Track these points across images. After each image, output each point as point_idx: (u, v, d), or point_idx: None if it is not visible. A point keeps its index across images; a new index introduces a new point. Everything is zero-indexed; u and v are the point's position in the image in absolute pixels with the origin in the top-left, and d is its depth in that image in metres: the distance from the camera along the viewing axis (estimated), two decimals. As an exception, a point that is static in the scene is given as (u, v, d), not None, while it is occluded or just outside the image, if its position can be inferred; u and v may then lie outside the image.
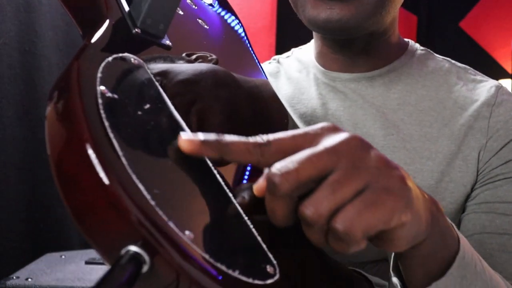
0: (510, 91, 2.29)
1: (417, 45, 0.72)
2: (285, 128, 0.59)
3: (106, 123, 0.31)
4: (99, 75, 0.34)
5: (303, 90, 0.71)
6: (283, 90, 0.73)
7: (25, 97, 1.58)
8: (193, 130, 0.43)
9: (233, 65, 0.57)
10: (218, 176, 0.37)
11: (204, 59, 0.55)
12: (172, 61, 0.49)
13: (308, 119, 0.68)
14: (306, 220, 0.31)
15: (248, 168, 0.45)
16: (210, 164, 0.37)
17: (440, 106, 0.64)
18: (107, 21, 0.41)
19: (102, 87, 0.33)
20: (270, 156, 0.33)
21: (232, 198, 0.36)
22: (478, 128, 0.61)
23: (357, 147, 0.33)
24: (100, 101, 0.32)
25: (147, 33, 0.43)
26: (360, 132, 0.65)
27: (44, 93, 1.64)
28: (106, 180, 0.28)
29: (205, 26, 0.56)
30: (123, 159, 0.30)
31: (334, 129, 0.35)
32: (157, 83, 0.39)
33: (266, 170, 0.33)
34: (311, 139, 0.34)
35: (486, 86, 0.65)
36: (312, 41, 0.74)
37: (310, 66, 0.73)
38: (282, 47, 2.35)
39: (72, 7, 0.44)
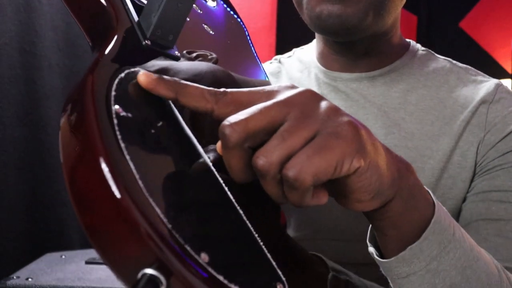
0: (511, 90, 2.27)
1: (419, 46, 0.73)
2: None
3: (123, 145, 0.31)
4: (113, 93, 0.34)
5: None
6: None
7: (25, 97, 1.58)
8: (205, 127, 0.44)
9: (235, 66, 0.58)
10: (231, 196, 0.37)
11: (204, 58, 0.55)
12: (188, 46, 0.50)
13: None
14: (259, 171, 0.32)
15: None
16: (223, 185, 0.37)
17: (441, 105, 0.65)
18: (118, 33, 0.41)
19: (117, 106, 0.33)
20: (224, 105, 0.34)
21: (245, 219, 0.36)
22: (476, 123, 0.62)
23: (308, 98, 0.33)
24: (115, 121, 0.32)
25: (157, 44, 0.43)
26: None
27: (44, 93, 1.65)
28: (123, 204, 0.28)
29: (210, 32, 0.56)
30: (140, 182, 0.30)
31: (292, 87, 0.35)
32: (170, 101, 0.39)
33: None
34: (267, 94, 0.34)
35: (484, 84, 0.66)
36: (314, 41, 0.75)
37: (312, 66, 0.73)
38: (282, 47, 2.35)
39: (81, 17, 0.44)
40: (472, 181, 0.61)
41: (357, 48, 0.66)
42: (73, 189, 0.31)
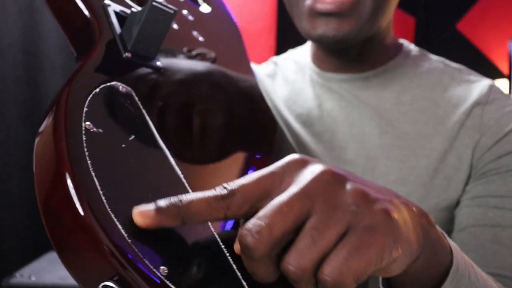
0: (507, 91, 2.30)
1: (412, 46, 0.73)
2: (273, 128, 0.59)
3: (89, 162, 0.31)
4: (85, 109, 0.34)
5: (299, 91, 0.72)
6: (279, 91, 0.73)
7: (28, 98, 1.59)
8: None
9: (225, 68, 0.58)
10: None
11: (203, 57, 0.55)
12: (174, 56, 0.50)
13: (304, 120, 0.69)
14: (291, 277, 0.28)
15: None
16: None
17: (434, 105, 0.65)
18: (99, 45, 0.41)
19: (88, 123, 0.34)
20: (238, 209, 0.30)
21: (214, 232, 0.36)
22: (471, 125, 0.62)
23: (330, 183, 0.30)
24: (84, 138, 0.33)
25: (138, 56, 0.43)
26: (356, 132, 0.65)
27: (47, 94, 1.66)
28: (85, 219, 0.29)
29: (200, 39, 0.56)
30: (103, 198, 0.30)
31: (302, 163, 0.31)
32: (144, 111, 0.39)
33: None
34: (278, 179, 0.31)
35: (479, 86, 0.66)
36: (308, 42, 0.75)
37: (306, 67, 0.73)
38: (282, 48, 2.36)
39: (66, 27, 0.44)
40: (467, 183, 0.61)
41: (350, 51, 0.66)
42: (41, 200, 0.32)
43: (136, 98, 0.40)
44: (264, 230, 0.27)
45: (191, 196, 0.30)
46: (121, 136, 0.36)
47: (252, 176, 0.31)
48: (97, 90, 0.37)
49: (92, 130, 0.33)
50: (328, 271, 0.27)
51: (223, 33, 0.63)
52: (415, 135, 0.63)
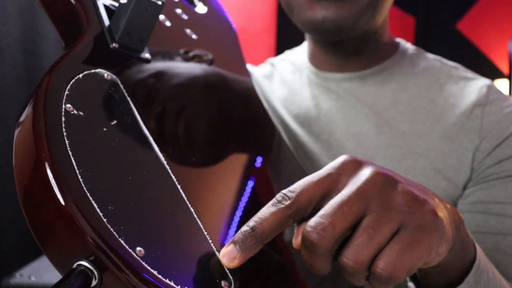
0: (507, 91, 2.29)
1: (408, 45, 0.73)
2: (269, 130, 0.60)
3: (67, 141, 0.31)
4: (66, 92, 0.34)
5: (296, 92, 0.72)
6: (277, 92, 0.74)
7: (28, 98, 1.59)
8: (180, 136, 0.44)
9: (219, 68, 0.58)
10: (180, 188, 0.37)
11: (200, 58, 0.55)
12: (170, 58, 0.50)
13: (302, 120, 0.69)
14: (348, 270, 0.31)
15: (249, 187, 0.45)
16: (174, 178, 0.37)
17: (431, 104, 0.65)
18: (86, 35, 0.41)
19: (68, 105, 0.33)
20: (302, 211, 0.33)
21: (194, 212, 0.36)
22: (471, 128, 0.62)
23: (383, 185, 0.33)
24: (63, 119, 0.32)
25: (126, 48, 0.43)
26: (353, 131, 0.66)
27: (46, 93, 1.66)
28: (60, 197, 0.29)
29: (193, 36, 0.56)
30: (80, 177, 0.30)
31: (356, 163, 0.34)
32: (129, 99, 0.39)
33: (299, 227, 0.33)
34: (335, 180, 0.33)
35: (477, 85, 0.65)
36: (305, 42, 0.75)
37: (303, 68, 0.74)
38: (282, 48, 2.36)
39: (55, 18, 0.44)
40: (465, 186, 0.61)
41: (347, 46, 0.66)
42: (20, 186, 0.32)
43: (122, 86, 0.40)
44: (328, 228, 0.30)
45: (259, 218, 0.32)
46: (103, 120, 0.35)
47: (311, 179, 0.33)
48: (80, 76, 0.36)
49: (72, 112, 0.33)
50: (383, 265, 0.30)
51: (219, 34, 0.63)
52: (411, 134, 0.63)
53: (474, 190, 0.60)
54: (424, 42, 2.86)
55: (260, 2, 2.42)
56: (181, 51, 0.52)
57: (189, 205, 0.36)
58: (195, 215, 0.36)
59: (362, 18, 0.61)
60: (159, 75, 0.46)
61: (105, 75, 0.39)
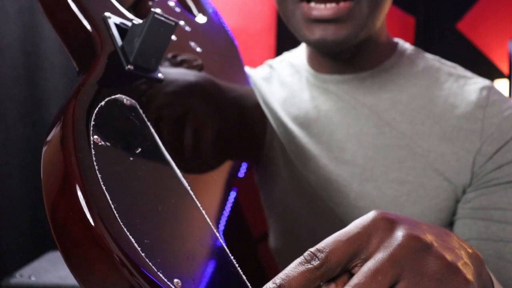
0: (507, 92, 2.28)
1: (407, 45, 0.72)
2: (263, 135, 0.60)
3: (99, 175, 0.32)
4: (92, 123, 0.35)
5: (295, 93, 0.72)
6: (276, 94, 0.73)
7: (28, 98, 1.59)
8: (185, 147, 0.44)
9: (222, 79, 0.58)
10: (208, 219, 0.38)
11: (189, 64, 0.55)
12: (173, 68, 0.50)
13: (301, 121, 0.69)
14: None
15: (229, 205, 0.46)
16: (203, 210, 0.38)
17: (431, 104, 0.65)
18: (101, 59, 0.41)
19: (96, 137, 0.34)
20: (332, 271, 0.32)
21: (224, 244, 0.37)
22: (472, 130, 0.61)
23: (417, 250, 0.33)
24: (93, 151, 0.33)
25: (140, 68, 0.43)
26: (353, 132, 0.65)
27: (46, 94, 1.66)
28: (97, 231, 0.29)
29: (197, 49, 0.56)
30: (115, 212, 0.30)
31: (387, 223, 0.34)
32: (148, 124, 0.40)
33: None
34: (366, 240, 0.33)
35: (477, 85, 0.65)
36: (304, 44, 0.75)
37: (302, 70, 0.73)
38: (282, 48, 2.36)
39: (67, 41, 0.44)
40: (466, 189, 0.61)
41: (345, 53, 0.66)
42: (51, 214, 0.32)
43: (141, 111, 0.40)
44: None
45: (286, 276, 0.31)
46: (128, 149, 0.36)
47: (340, 237, 0.33)
48: (103, 103, 0.37)
49: (100, 143, 0.34)
50: None
51: (219, 43, 0.64)
52: (412, 135, 0.63)
53: (475, 196, 0.60)
54: (424, 42, 2.85)
55: (260, 2, 2.42)
56: (169, 55, 0.52)
57: (215, 231, 0.37)
58: (221, 241, 0.37)
59: (362, 30, 0.60)
60: (173, 96, 0.46)
61: (125, 100, 0.39)
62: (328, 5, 0.58)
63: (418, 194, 0.61)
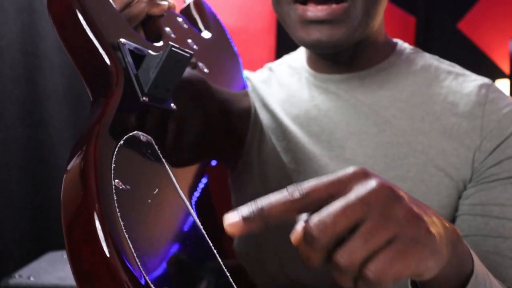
0: (508, 91, 2.27)
1: (406, 45, 0.73)
2: (243, 136, 0.60)
3: (122, 223, 0.32)
4: (113, 165, 0.35)
5: (295, 93, 0.73)
6: (275, 95, 0.74)
7: (27, 98, 1.59)
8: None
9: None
10: (219, 259, 0.39)
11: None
12: (186, 95, 0.50)
13: (302, 121, 0.69)
14: (339, 268, 0.33)
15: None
16: (214, 250, 0.39)
17: (430, 101, 0.65)
18: (117, 92, 0.41)
19: (117, 181, 0.35)
20: (309, 206, 0.35)
21: (231, 281, 0.38)
22: (472, 127, 0.62)
23: (387, 197, 0.35)
24: (115, 197, 0.33)
25: (154, 98, 0.44)
26: (353, 130, 0.66)
27: (46, 93, 1.65)
28: (122, 283, 0.30)
29: (205, 70, 0.57)
30: (139, 262, 0.31)
31: (365, 175, 0.36)
32: (164, 160, 0.40)
33: (301, 220, 0.35)
34: (344, 186, 0.36)
35: (475, 83, 0.65)
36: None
37: (302, 71, 0.74)
38: (282, 48, 2.36)
39: (84, 70, 0.44)
40: (467, 185, 0.61)
41: (344, 54, 0.67)
42: (75, 266, 0.32)
43: (156, 147, 0.41)
44: (329, 225, 0.33)
45: (269, 201, 0.35)
46: (147, 191, 0.37)
47: (322, 180, 0.36)
48: (122, 142, 0.38)
49: (121, 187, 0.35)
50: (374, 268, 0.33)
51: (223, 59, 0.65)
52: (412, 131, 0.64)
53: (474, 191, 0.60)
54: (425, 42, 2.85)
55: (260, 2, 2.42)
56: (194, 85, 0.53)
57: (227, 274, 0.38)
58: (230, 279, 0.38)
59: (357, 31, 0.61)
60: (185, 128, 0.47)
61: (141, 137, 0.40)
62: (323, 7, 0.58)
63: (419, 191, 0.61)
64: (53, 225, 1.64)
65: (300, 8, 0.60)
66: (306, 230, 0.34)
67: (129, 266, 0.30)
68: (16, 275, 1.38)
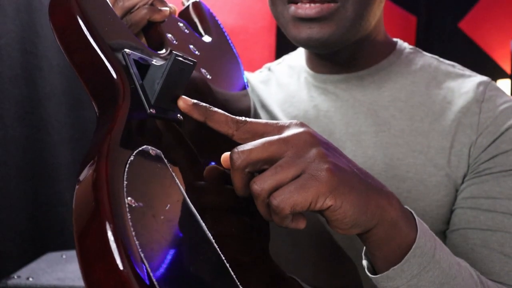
0: (509, 91, 2.27)
1: (406, 44, 0.73)
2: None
3: (137, 242, 0.32)
4: (125, 182, 0.35)
5: (294, 94, 0.73)
6: (274, 96, 0.74)
7: (26, 98, 1.58)
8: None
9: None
10: (232, 273, 0.39)
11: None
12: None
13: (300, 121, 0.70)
14: (252, 193, 0.40)
15: None
16: (225, 261, 0.39)
17: (430, 101, 0.65)
18: (123, 106, 0.41)
19: (129, 198, 0.35)
20: (242, 133, 0.43)
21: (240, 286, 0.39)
22: (469, 124, 0.62)
23: (305, 141, 0.41)
24: (129, 216, 0.33)
25: (161, 109, 0.44)
26: (352, 131, 0.66)
27: (45, 93, 1.65)
28: (125, 276, 0.30)
29: (208, 76, 0.57)
30: (153, 278, 0.31)
31: (300, 125, 0.43)
32: (173, 174, 0.41)
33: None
34: (278, 129, 0.42)
35: (474, 81, 0.66)
36: None
37: (301, 71, 0.74)
38: (282, 47, 2.36)
39: (90, 84, 0.44)
40: (462, 182, 0.62)
41: (341, 55, 0.67)
42: (88, 283, 0.32)
43: (165, 160, 0.41)
44: (245, 152, 0.40)
45: (217, 110, 0.44)
46: (159, 207, 0.37)
47: (265, 120, 0.43)
48: (132, 158, 0.38)
49: (134, 205, 0.35)
50: (276, 196, 0.39)
51: (224, 62, 0.65)
52: (411, 132, 0.64)
53: (467, 185, 0.61)
54: (426, 41, 2.85)
55: (260, 1, 2.41)
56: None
57: (238, 284, 0.39)
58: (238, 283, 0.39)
59: (349, 31, 0.61)
60: (192, 137, 0.48)
61: (150, 150, 0.40)
62: (313, 5, 0.60)
63: (419, 191, 0.61)
64: (52, 226, 1.64)
65: (292, 6, 0.62)
66: (230, 152, 0.40)
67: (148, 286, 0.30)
68: (15, 275, 1.38)
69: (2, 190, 1.49)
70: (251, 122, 0.43)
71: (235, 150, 0.40)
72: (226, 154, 0.43)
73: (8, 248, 1.54)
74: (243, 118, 0.43)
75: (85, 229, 0.33)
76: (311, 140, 0.41)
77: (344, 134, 0.66)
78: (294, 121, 0.43)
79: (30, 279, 1.35)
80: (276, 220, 0.40)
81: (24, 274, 1.38)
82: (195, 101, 0.44)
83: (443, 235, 0.63)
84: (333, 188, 0.39)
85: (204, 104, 0.44)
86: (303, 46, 0.65)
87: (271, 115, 0.71)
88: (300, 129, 0.42)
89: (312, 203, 0.39)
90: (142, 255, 0.32)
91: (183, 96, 0.44)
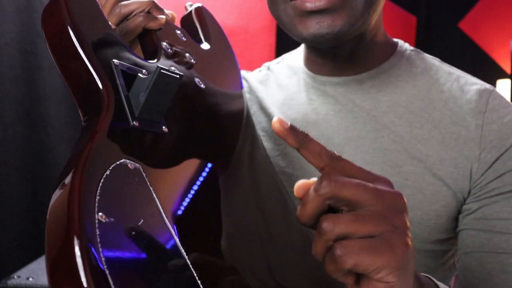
0: (510, 91, 2.26)
1: (407, 45, 0.71)
2: (235, 140, 0.61)
3: (103, 259, 0.32)
4: (97, 197, 0.35)
5: (293, 96, 0.71)
6: (273, 97, 0.73)
7: (26, 98, 1.58)
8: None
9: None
10: None
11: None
12: (179, 116, 0.50)
13: (299, 125, 0.65)
14: (320, 228, 0.36)
15: None
16: (198, 281, 0.39)
17: (430, 107, 0.63)
18: (106, 116, 0.41)
19: (100, 213, 0.34)
20: (334, 169, 0.39)
21: None
22: (471, 137, 0.60)
23: (396, 204, 0.37)
24: (98, 231, 0.33)
25: (145, 121, 0.44)
26: (351, 136, 0.64)
27: (45, 93, 1.65)
28: None
29: (202, 86, 0.57)
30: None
31: (389, 184, 0.39)
32: (151, 188, 0.40)
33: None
34: (371, 178, 0.38)
35: (477, 89, 0.64)
36: (302, 45, 0.74)
37: (300, 72, 0.73)
38: (282, 47, 2.35)
39: (75, 90, 0.44)
40: (466, 197, 0.60)
41: (341, 52, 0.65)
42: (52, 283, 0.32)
43: (144, 175, 0.40)
44: (338, 184, 0.36)
45: (313, 139, 0.40)
46: (131, 222, 0.37)
47: (357, 166, 0.40)
48: (108, 172, 0.37)
49: (104, 221, 0.34)
50: (343, 246, 0.35)
51: (221, 69, 0.64)
52: (410, 138, 0.62)
53: (477, 206, 0.59)
54: (426, 41, 2.85)
55: (260, 1, 2.41)
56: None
57: None
58: None
59: (358, 22, 0.59)
60: (176, 150, 0.46)
61: (129, 164, 0.40)
62: None
63: (417, 199, 0.60)
64: (52, 226, 1.64)
65: (297, 1, 0.58)
66: (321, 178, 0.36)
67: None
68: (15, 275, 1.38)
69: (2, 190, 1.49)
70: (345, 161, 0.39)
71: (327, 177, 0.36)
72: (307, 182, 0.38)
73: (8, 248, 1.54)
74: (337, 154, 0.40)
75: (56, 244, 0.33)
76: (402, 206, 0.38)
77: (343, 139, 0.65)
78: (385, 178, 0.39)
79: (30, 279, 1.35)
80: (329, 267, 0.36)
81: (24, 274, 1.37)
82: (292, 125, 0.40)
83: (439, 243, 0.62)
84: (403, 265, 0.36)
85: (301, 130, 0.40)
86: (311, 42, 0.62)
87: (270, 118, 0.70)
88: (394, 190, 0.38)
89: (376, 270, 0.35)
90: (107, 271, 0.32)
91: (280, 118, 0.40)
